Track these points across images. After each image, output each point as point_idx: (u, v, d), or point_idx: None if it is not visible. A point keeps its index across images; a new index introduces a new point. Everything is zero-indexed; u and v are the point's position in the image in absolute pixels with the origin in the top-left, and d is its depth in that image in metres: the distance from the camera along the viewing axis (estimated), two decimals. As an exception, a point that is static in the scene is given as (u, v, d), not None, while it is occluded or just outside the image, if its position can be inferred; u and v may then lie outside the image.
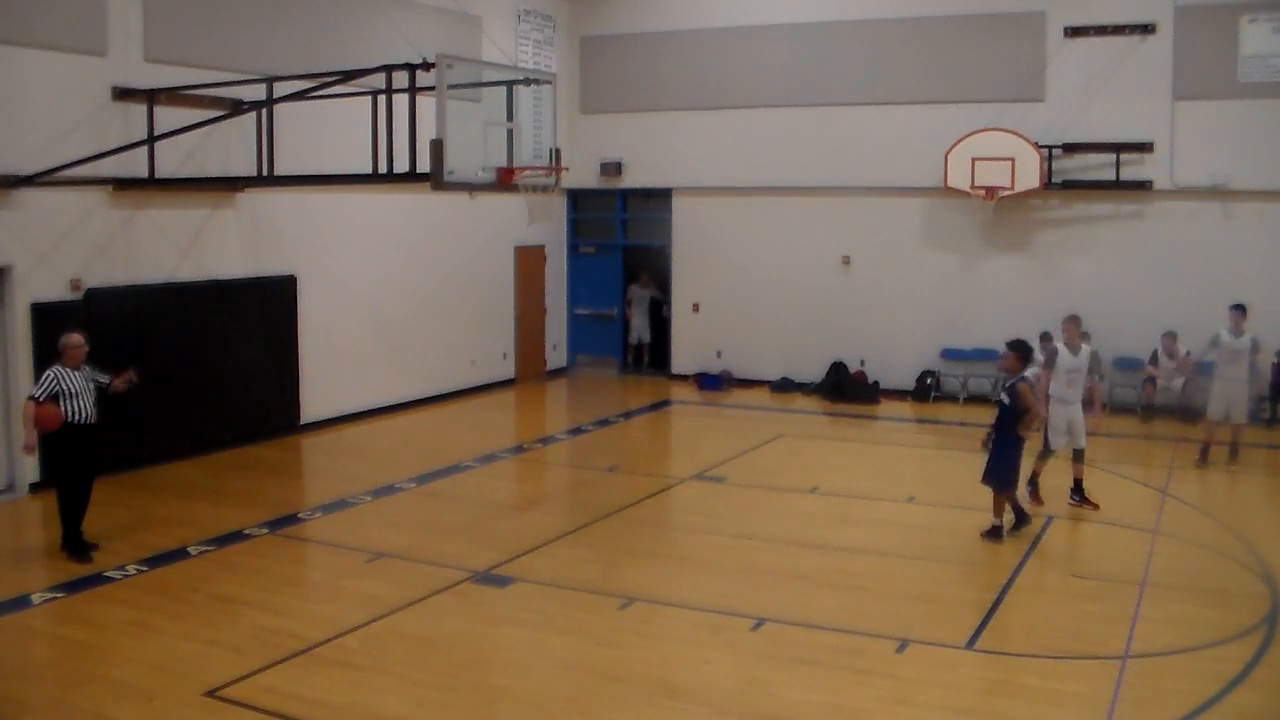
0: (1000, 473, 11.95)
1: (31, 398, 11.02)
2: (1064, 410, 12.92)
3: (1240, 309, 15.36)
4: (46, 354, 13.32)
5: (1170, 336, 18.01)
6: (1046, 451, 13.17)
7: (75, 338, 11.17)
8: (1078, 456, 13.12)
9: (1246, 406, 15.32)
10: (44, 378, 11.06)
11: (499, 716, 7.90)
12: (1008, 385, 11.97)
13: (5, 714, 7.89)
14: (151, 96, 14.09)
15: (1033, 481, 13.09)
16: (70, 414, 10.93)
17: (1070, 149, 19.12)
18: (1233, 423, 15.28)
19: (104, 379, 11.34)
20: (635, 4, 22.56)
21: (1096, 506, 12.93)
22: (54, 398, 10.90)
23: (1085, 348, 13.16)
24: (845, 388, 20.64)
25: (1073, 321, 13.29)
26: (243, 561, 11.15)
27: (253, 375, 16.20)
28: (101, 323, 13.89)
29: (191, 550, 11.42)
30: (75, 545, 11.07)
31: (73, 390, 10.95)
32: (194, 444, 15.29)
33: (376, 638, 9.20)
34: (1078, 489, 13.11)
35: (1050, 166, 19.17)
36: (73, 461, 11.16)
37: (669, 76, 22.20)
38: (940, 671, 8.54)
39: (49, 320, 13.44)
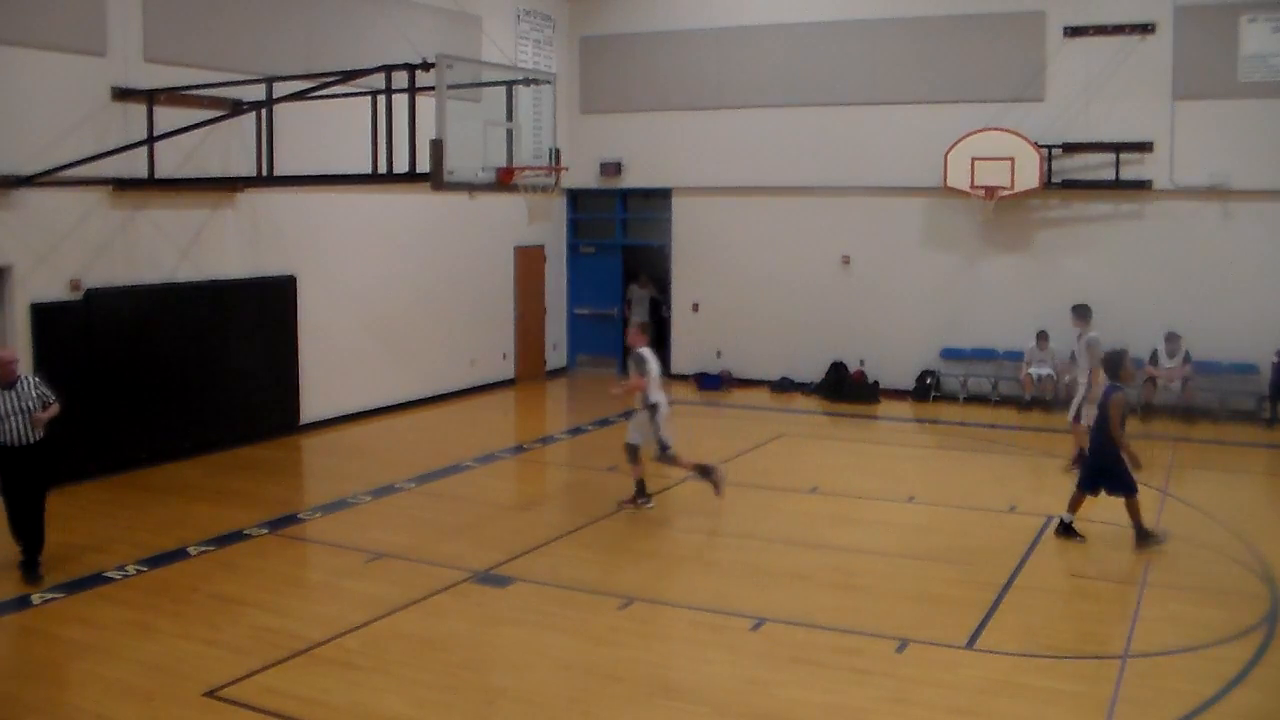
0: (1126, 479, 11.61)
1: None
2: None
3: (1075, 310, 15.24)
4: (46, 355, 13.39)
5: (1174, 340, 18.04)
6: None
7: (3, 353, 10.52)
8: None
9: (1077, 409, 14.81)
10: None
11: (499, 716, 7.90)
12: (1103, 399, 11.69)
13: (5, 714, 7.90)
14: (151, 97, 14.09)
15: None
16: None
17: (1070, 149, 19.11)
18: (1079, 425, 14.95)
19: (49, 397, 10.56)
20: (635, 4, 22.55)
21: None
22: None
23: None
24: (845, 388, 20.63)
25: None
26: (242, 562, 11.16)
27: (252, 375, 16.19)
28: (101, 323, 13.92)
29: (191, 550, 11.42)
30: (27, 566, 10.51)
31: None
32: (194, 444, 15.29)
33: (376, 638, 9.20)
34: None
35: (1050, 166, 19.17)
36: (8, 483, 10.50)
37: (669, 76, 22.19)
38: (940, 671, 8.54)
39: (49, 321, 13.48)
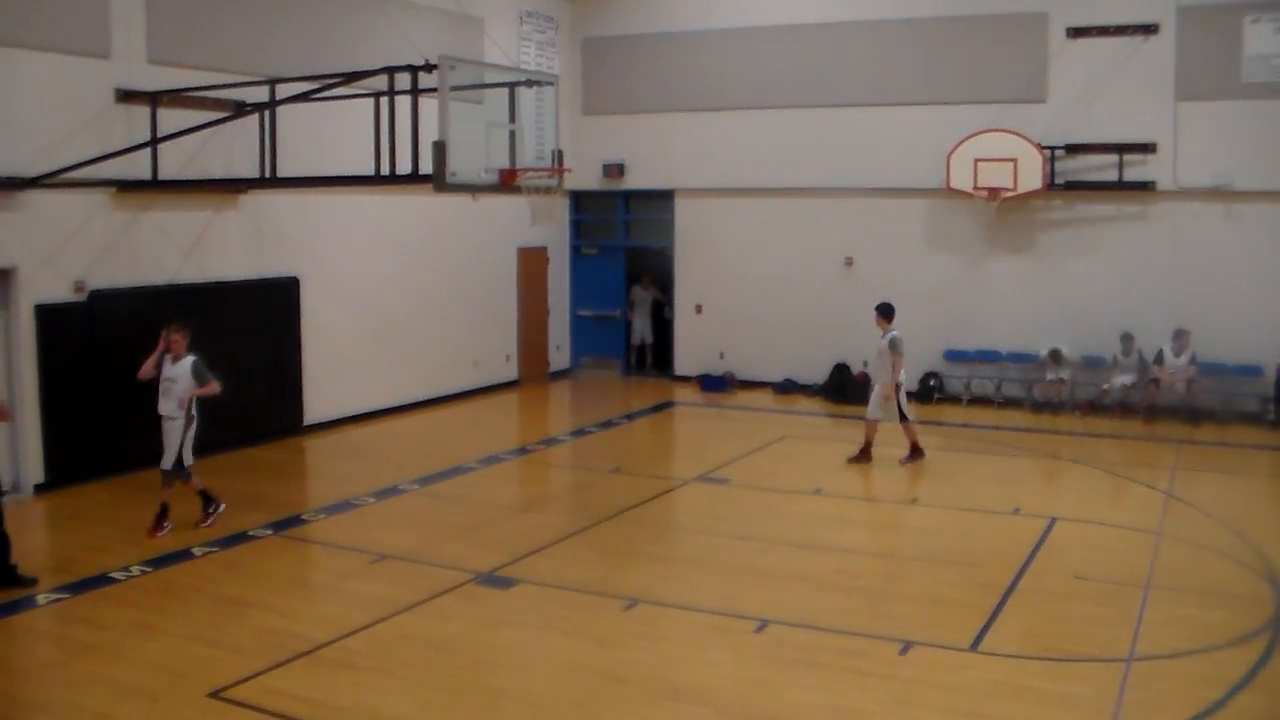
0: None
1: None
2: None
3: (878, 309, 15.67)
4: (51, 356, 13.42)
5: (1182, 336, 18.03)
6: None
7: None
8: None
9: (878, 404, 15.41)
10: None
11: (502, 718, 7.90)
12: None
13: (12, 713, 7.92)
14: (154, 98, 14.11)
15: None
16: None
17: (1073, 150, 19.09)
18: (870, 419, 15.51)
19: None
20: (637, 5, 22.56)
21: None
22: None
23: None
24: (848, 389, 20.61)
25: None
26: (247, 563, 11.17)
27: (256, 377, 16.18)
28: (105, 324, 13.91)
29: (196, 551, 11.43)
30: None
31: None
32: (197, 445, 15.22)
33: (380, 639, 9.21)
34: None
35: (1053, 167, 19.15)
36: None
37: (671, 78, 22.19)
38: (943, 674, 8.54)
39: (53, 322, 13.49)
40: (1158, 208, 18.90)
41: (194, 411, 12.07)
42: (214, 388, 12.09)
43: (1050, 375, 19.00)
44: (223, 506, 12.49)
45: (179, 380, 11.94)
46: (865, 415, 15.66)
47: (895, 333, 15.37)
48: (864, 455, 15.39)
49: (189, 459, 12.11)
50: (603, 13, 22.78)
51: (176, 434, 11.97)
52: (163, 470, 12.01)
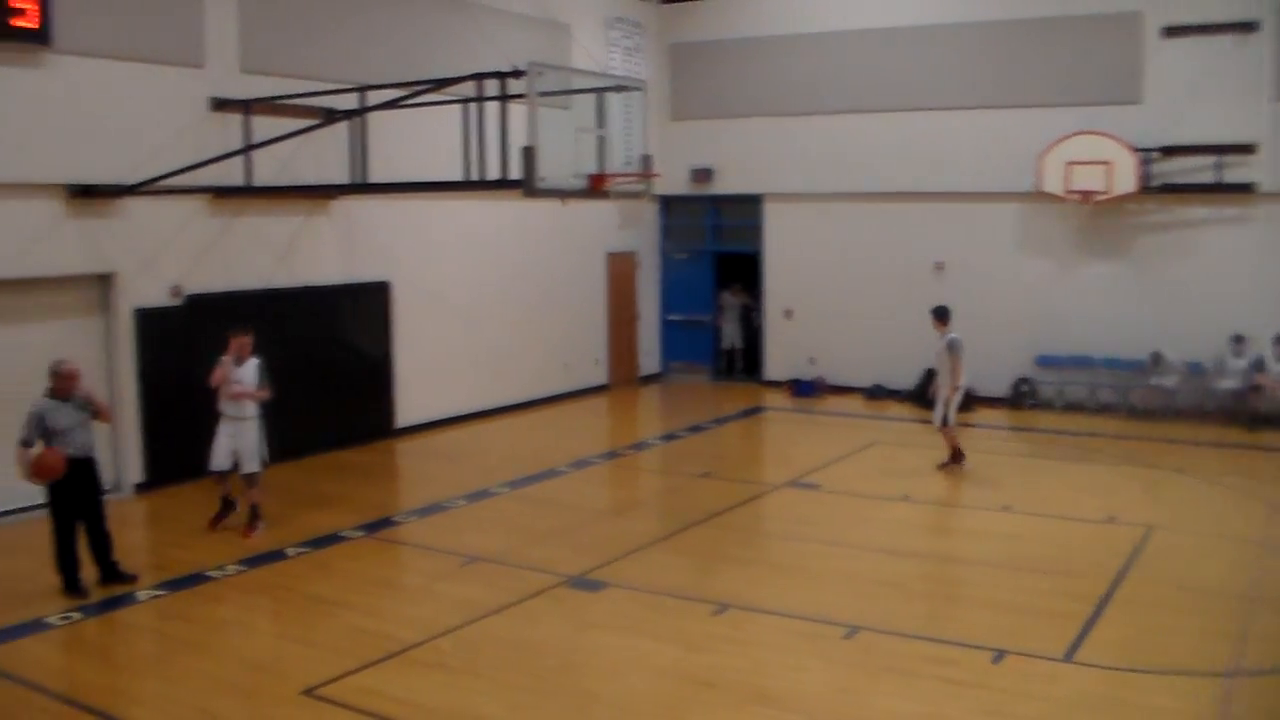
0: None
1: (22, 442, 10.02)
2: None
3: (934, 312, 15.44)
4: (149, 357, 13.74)
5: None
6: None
7: (69, 367, 10.21)
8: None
9: (944, 413, 15.17)
10: (28, 417, 10.07)
11: (591, 721, 7.92)
12: None
13: (115, 706, 8.11)
14: (248, 107, 14.36)
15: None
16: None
17: (1169, 152, 18.67)
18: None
19: (94, 406, 10.45)
20: (725, 10, 22.52)
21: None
22: (44, 437, 10.02)
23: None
24: (938, 395, 20.38)
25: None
26: (338, 563, 11.32)
27: (348, 380, 16.43)
28: (201, 327, 14.18)
29: (289, 552, 11.61)
30: (71, 583, 10.25)
31: (61, 427, 10.06)
32: (291, 447, 15.49)
33: (470, 641, 9.28)
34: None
35: (1148, 170, 18.76)
36: (63, 500, 10.22)
37: (759, 82, 22.11)
38: (1037, 684, 8.38)
39: (151, 325, 13.83)
40: (1258, 209, 18.41)
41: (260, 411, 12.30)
42: (267, 393, 12.26)
43: (1153, 380, 18.60)
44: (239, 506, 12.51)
45: (245, 382, 12.16)
46: (932, 423, 15.52)
47: (954, 335, 15.20)
48: (955, 459, 15.20)
49: (266, 456, 12.36)
50: (690, 18, 22.78)
51: (254, 433, 12.19)
52: (247, 474, 12.18)
